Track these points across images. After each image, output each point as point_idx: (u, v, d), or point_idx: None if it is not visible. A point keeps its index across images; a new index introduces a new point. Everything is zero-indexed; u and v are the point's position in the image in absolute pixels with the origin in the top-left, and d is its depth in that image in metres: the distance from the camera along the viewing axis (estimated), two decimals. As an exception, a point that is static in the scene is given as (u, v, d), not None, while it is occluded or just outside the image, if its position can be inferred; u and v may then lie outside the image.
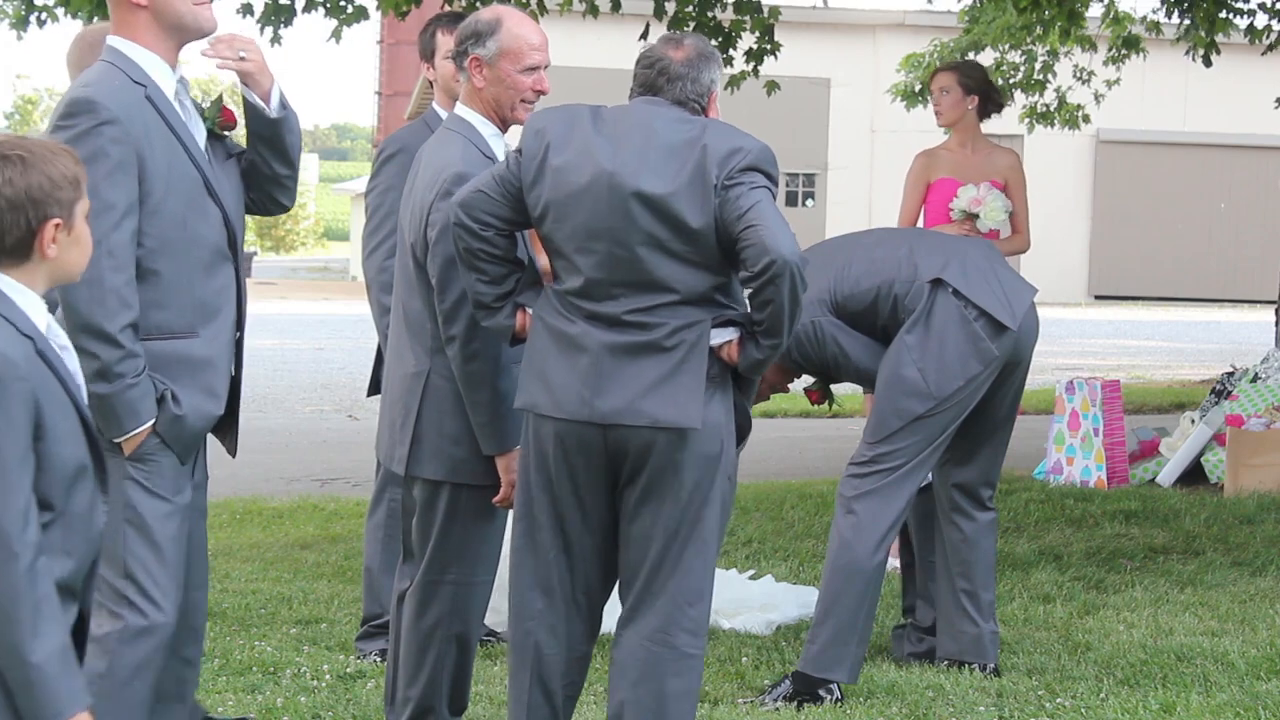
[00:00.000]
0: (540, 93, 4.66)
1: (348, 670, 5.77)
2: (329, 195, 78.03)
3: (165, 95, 4.04)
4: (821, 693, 5.47)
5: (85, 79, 3.98)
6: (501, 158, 4.63)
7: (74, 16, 9.71)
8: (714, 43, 10.76)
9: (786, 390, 6.03)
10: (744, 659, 5.95)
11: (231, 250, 4.15)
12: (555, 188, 4.32)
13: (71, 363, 3.15)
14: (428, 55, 5.92)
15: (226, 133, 4.38)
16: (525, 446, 4.45)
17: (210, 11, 4.13)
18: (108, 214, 3.86)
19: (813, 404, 6.20)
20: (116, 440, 3.95)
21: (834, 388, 6.10)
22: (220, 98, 4.93)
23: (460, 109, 4.71)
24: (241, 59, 4.24)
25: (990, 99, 7.23)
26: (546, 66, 4.68)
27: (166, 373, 4.02)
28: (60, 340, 3.15)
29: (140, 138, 3.94)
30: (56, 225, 3.09)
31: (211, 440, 4.31)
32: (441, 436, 4.59)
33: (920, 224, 7.33)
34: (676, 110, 4.38)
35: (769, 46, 11.05)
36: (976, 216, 7.08)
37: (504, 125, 4.70)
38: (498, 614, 6.02)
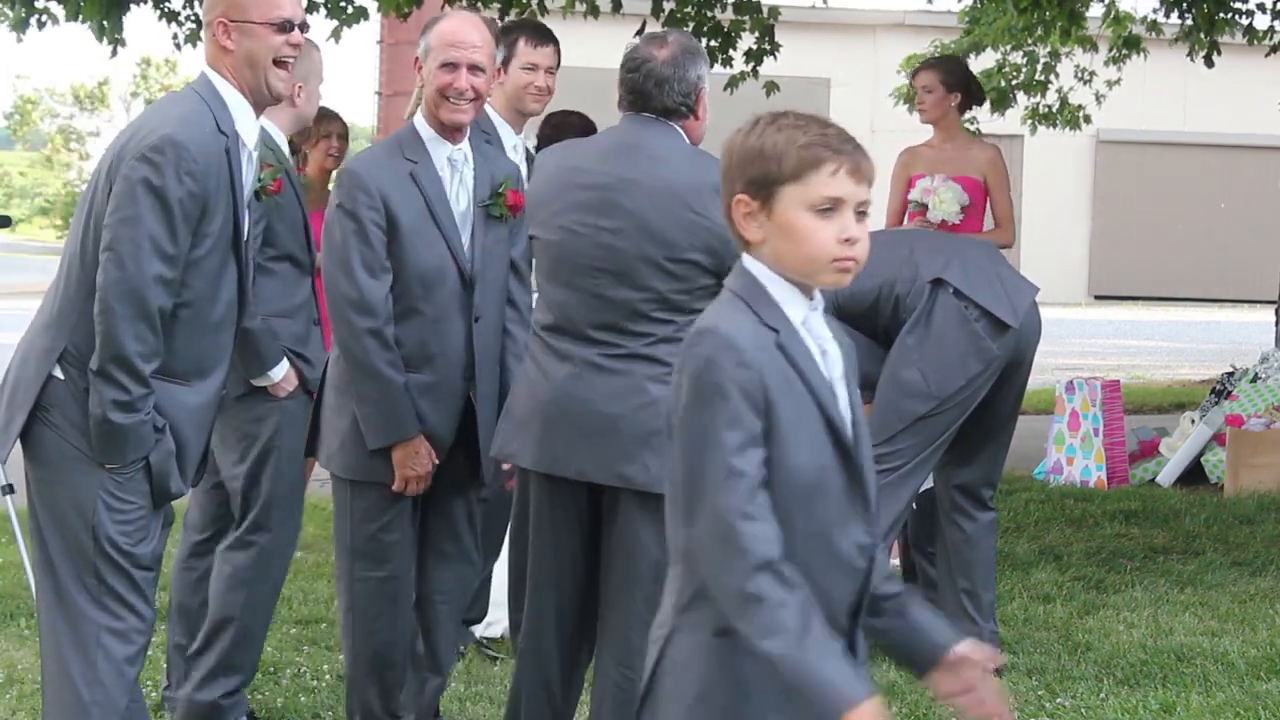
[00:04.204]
0: (458, 91, 4.56)
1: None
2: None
3: (242, 148, 4.00)
4: (821, 693, 5.46)
5: (178, 114, 3.90)
6: (440, 165, 4.62)
7: (78, 21, 9.72)
8: (714, 43, 10.77)
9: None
10: (744, 659, 5.95)
11: (240, 309, 4.12)
12: (545, 229, 4.34)
13: (827, 367, 2.79)
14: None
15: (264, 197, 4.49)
16: (518, 485, 4.48)
17: (287, 75, 4.05)
18: (168, 262, 3.84)
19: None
20: (110, 466, 3.92)
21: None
22: (280, 167, 4.95)
23: (415, 115, 4.73)
24: None
25: (971, 93, 7.23)
26: (474, 67, 4.56)
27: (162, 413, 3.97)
28: (824, 344, 2.80)
29: (211, 193, 3.91)
30: (741, 202, 2.75)
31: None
32: (329, 428, 4.70)
33: (906, 221, 7.33)
34: (665, 131, 4.32)
35: (768, 47, 11.05)
36: (928, 206, 7.08)
37: (445, 130, 4.63)
38: (499, 606, 6.04)
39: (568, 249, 4.29)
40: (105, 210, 3.86)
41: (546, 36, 5.77)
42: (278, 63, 3.99)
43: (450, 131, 4.62)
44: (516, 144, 5.73)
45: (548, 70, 5.75)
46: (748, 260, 2.78)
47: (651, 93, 4.31)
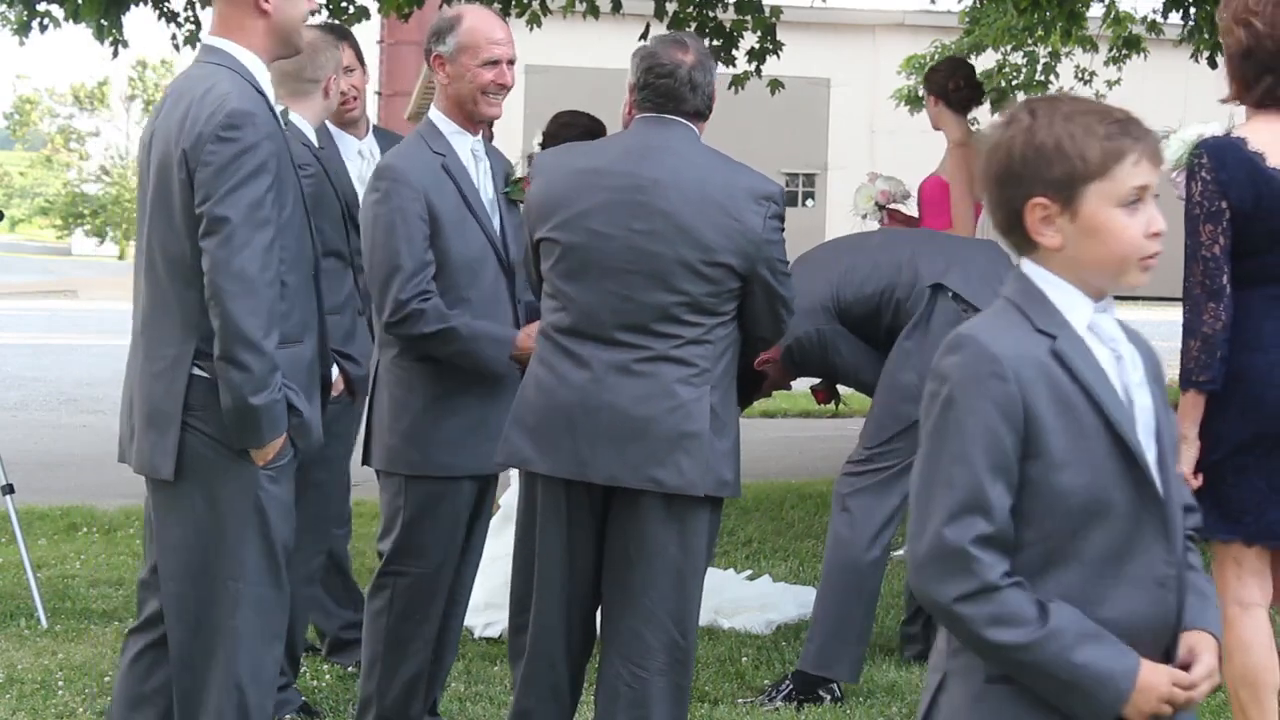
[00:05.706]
0: (502, 86, 4.69)
1: (349, 670, 5.78)
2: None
3: (275, 106, 4.08)
4: (821, 692, 5.47)
5: (232, 88, 3.95)
6: (465, 157, 4.69)
7: (78, 23, 9.72)
8: (716, 42, 10.78)
9: (789, 387, 6.02)
10: (744, 659, 5.96)
11: (316, 264, 4.18)
12: (566, 231, 4.29)
13: (1122, 373, 2.55)
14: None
15: None
16: (524, 489, 4.46)
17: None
18: (267, 228, 3.87)
19: (819, 403, 6.21)
20: (254, 449, 3.93)
21: (839, 387, 6.10)
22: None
23: (431, 111, 4.77)
24: None
25: (947, 91, 7.24)
26: (511, 62, 4.71)
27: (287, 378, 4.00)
28: (1116, 347, 2.56)
29: (280, 152, 3.98)
30: (1039, 206, 2.50)
31: None
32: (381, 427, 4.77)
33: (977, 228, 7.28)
34: (685, 133, 4.33)
35: (771, 46, 11.05)
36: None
37: (471, 123, 4.71)
38: (490, 610, 6.04)
39: (594, 251, 4.24)
40: (191, 202, 3.87)
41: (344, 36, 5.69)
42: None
43: (474, 124, 4.72)
44: (362, 149, 5.72)
45: (344, 70, 5.56)
46: (1028, 265, 2.59)
47: (686, 96, 4.34)
